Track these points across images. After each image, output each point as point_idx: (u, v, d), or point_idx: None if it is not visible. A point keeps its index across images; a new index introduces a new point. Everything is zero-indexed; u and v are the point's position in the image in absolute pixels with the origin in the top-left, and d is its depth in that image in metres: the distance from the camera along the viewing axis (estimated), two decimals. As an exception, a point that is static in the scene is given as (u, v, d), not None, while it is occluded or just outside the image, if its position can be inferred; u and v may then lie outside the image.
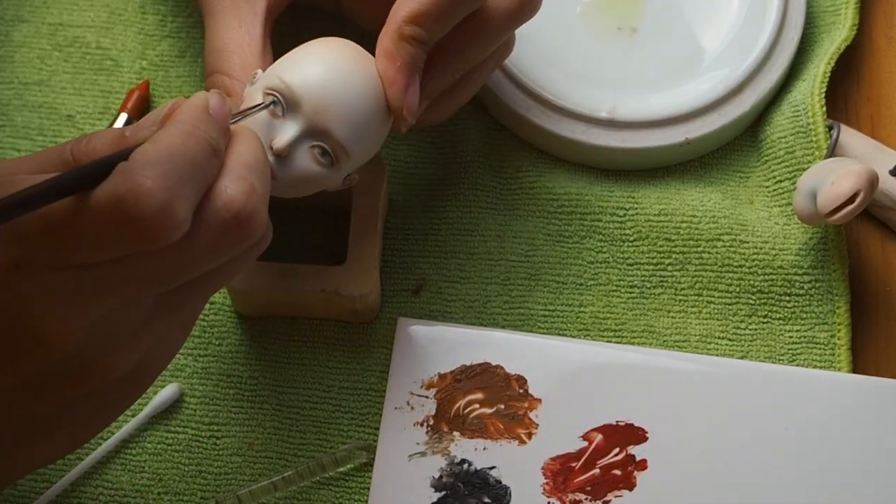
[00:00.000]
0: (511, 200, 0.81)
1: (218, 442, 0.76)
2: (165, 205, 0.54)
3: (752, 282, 0.78)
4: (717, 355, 0.77)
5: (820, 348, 0.77)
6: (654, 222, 0.80)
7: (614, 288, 0.79)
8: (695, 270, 0.79)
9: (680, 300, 0.79)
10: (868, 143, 0.81)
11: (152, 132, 0.58)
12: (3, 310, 0.55)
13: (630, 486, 0.74)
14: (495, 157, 0.82)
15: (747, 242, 0.79)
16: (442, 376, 0.76)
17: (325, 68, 0.67)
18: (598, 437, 0.75)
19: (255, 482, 0.74)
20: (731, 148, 0.83)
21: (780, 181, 0.81)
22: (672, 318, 0.78)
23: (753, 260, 0.79)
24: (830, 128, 0.81)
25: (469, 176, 0.81)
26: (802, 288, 0.78)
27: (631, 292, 0.79)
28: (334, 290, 0.74)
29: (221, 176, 0.58)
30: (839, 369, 0.77)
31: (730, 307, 0.78)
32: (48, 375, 0.56)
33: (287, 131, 0.66)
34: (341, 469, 0.75)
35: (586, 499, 0.74)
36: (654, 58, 0.83)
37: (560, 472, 0.74)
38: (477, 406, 0.75)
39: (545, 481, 0.74)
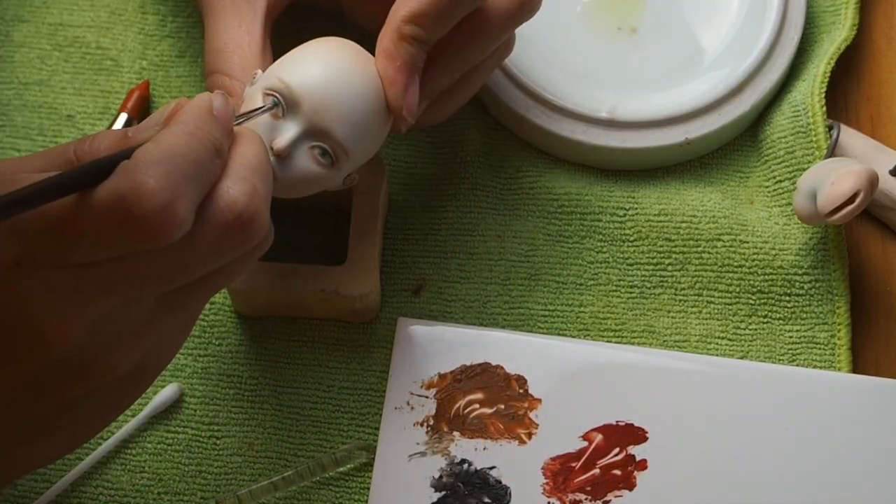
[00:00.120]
0: (511, 200, 0.81)
1: (218, 442, 0.76)
2: (167, 204, 0.54)
3: (752, 282, 0.78)
4: (717, 355, 0.77)
5: (820, 348, 0.77)
6: (654, 222, 0.80)
7: (614, 288, 0.79)
8: (695, 270, 0.79)
9: (680, 300, 0.79)
10: (868, 143, 0.81)
11: (155, 132, 0.58)
12: (4, 308, 0.55)
13: (630, 486, 0.74)
14: (495, 157, 0.82)
15: (747, 242, 0.79)
16: (442, 376, 0.76)
17: (325, 68, 0.67)
18: (598, 437, 0.75)
19: (255, 482, 0.74)
20: (731, 148, 0.83)
21: (780, 181, 0.81)
22: (672, 318, 0.78)
23: (753, 260, 0.79)
24: (830, 128, 0.81)
25: (469, 176, 0.81)
26: (802, 288, 0.78)
27: (631, 292, 0.79)
28: (334, 290, 0.74)
29: (224, 177, 0.58)
30: (839, 369, 0.77)
31: (730, 307, 0.78)
32: (48, 374, 0.56)
33: (287, 132, 0.66)
34: (341, 469, 0.75)
35: (586, 499, 0.74)
36: (654, 58, 0.83)
37: (560, 472, 0.74)
38: (477, 406, 0.75)
39: (545, 481, 0.74)
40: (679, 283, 0.79)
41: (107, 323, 0.56)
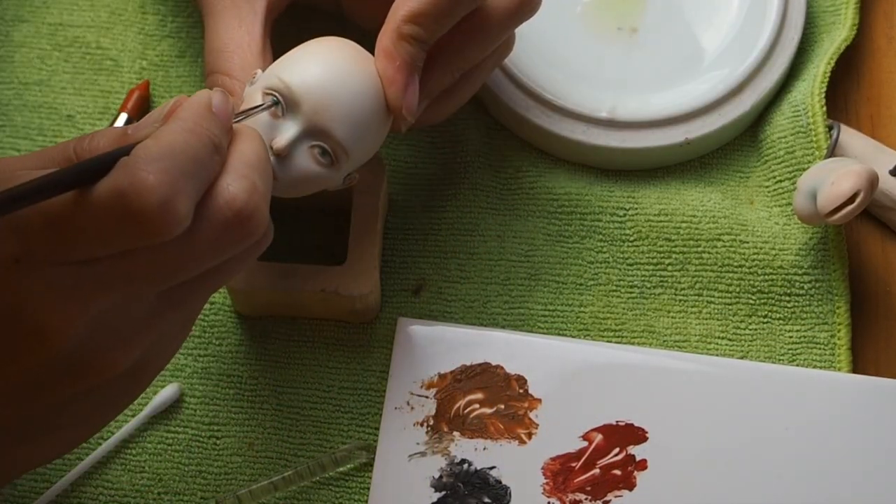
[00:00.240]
0: (511, 200, 0.81)
1: (218, 442, 0.76)
2: (167, 200, 0.54)
3: (752, 282, 0.78)
4: (717, 355, 0.77)
5: (820, 348, 0.77)
6: (654, 222, 0.80)
7: (614, 288, 0.79)
8: (695, 270, 0.79)
9: (680, 300, 0.79)
10: (868, 143, 0.81)
11: (154, 129, 0.58)
12: (3, 306, 0.55)
13: (630, 486, 0.74)
14: (495, 157, 0.82)
15: (747, 242, 0.79)
16: (442, 376, 0.76)
17: (325, 68, 0.67)
18: (598, 437, 0.75)
19: (255, 482, 0.74)
20: (731, 148, 0.83)
21: (780, 181, 0.81)
22: (672, 318, 0.78)
23: (753, 260, 0.79)
24: (830, 128, 0.81)
25: (469, 176, 0.81)
26: (802, 288, 0.78)
27: (631, 292, 0.79)
28: (334, 290, 0.74)
29: (223, 174, 0.58)
30: (839, 369, 0.77)
31: (730, 307, 0.78)
32: (48, 372, 0.56)
33: (287, 131, 0.66)
34: (341, 469, 0.75)
35: (586, 499, 0.73)
36: (654, 58, 0.83)
37: (560, 472, 0.74)
38: (477, 406, 0.75)
39: (545, 481, 0.74)
40: (679, 283, 0.79)
41: (106, 320, 0.56)
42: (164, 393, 0.76)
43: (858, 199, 0.74)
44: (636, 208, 0.80)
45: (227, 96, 0.61)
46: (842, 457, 0.74)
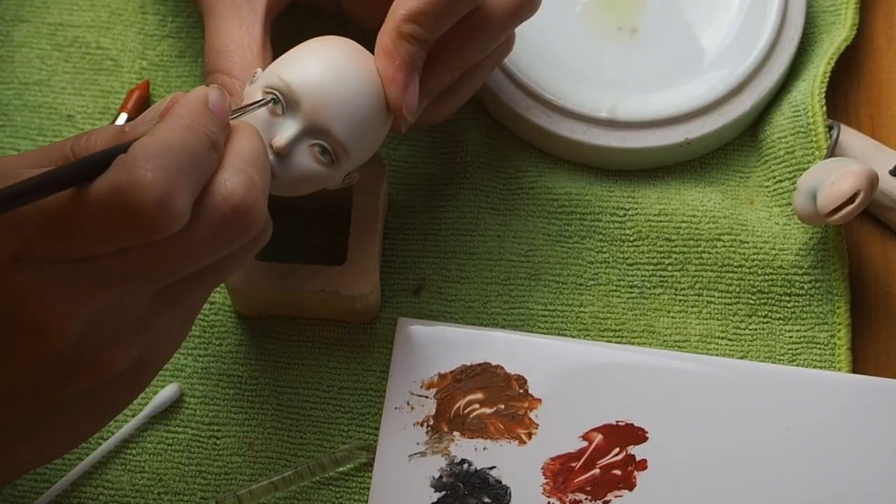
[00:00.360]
0: (511, 200, 0.81)
1: (218, 442, 0.76)
2: (165, 196, 0.54)
3: (752, 282, 0.78)
4: (717, 355, 0.77)
5: (820, 348, 0.77)
6: (654, 222, 0.80)
7: (614, 288, 0.79)
8: (695, 270, 0.79)
9: (680, 300, 0.79)
10: (868, 143, 0.81)
11: (151, 127, 0.58)
12: (2, 304, 0.55)
13: (630, 486, 0.74)
14: (495, 157, 0.82)
15: (747, 242, 0.79)
16: (442, 376, 0.76)
17: (325, 67, 0.67)
18: (598, 437, 0.75)
19: (255, 482, 0.74)
20: (731, 148, 0.83)
21: (780, 181, 0.81)
22: (672, 318, 0.78)
23: (753, 260, 0.79)
24: (830, 128, 0.81)
25: (469, 176, 0.81)
26: (802, 288, 0.78)
27: (631, 292, 0.79)
28: (334, 290, 0.74)
29: (221, 170, 0.58)
30: (839, 369, 0.77)
31: (730, 307, 0.78)
32: (47, 370, 0.56)
33: (287, 130, 0.66)
34: (341, 469, 0.75)
35: (586, 499, 0.73)
36: (654, 58, 0.83)
37: (560, 472, 0.74)
38: (477, 406, 0.75)
39: (545, 481, 0.74)
40: (679, 283, 0.79)
41: (105, 318, 0.56)
42: (164, 393, 0.76)
43: (858, 199, 0.74)
44: (636, 208, 0.80)
45: (224, 93, 0.61)
46: (842, 457, 0.74)
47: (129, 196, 0.54)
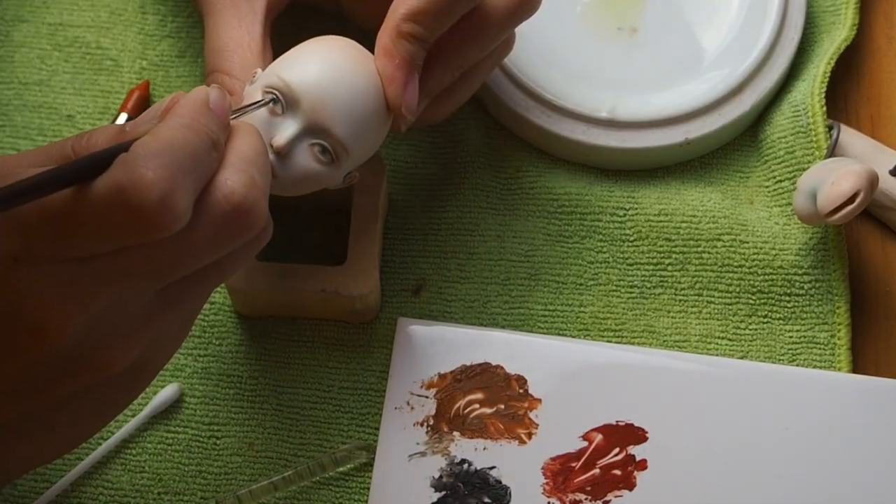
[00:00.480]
0: (511, 200, 0.81)
1: (218, 442, 0.76)
2: (166, 195, 0.54)
3: (752, 282, 0.78)
4: (717, 355, 0.77)
5: (820, 348, 0.77)
6: (654, 222, 0.80)
7: (614, 288, 0.79)
8: (695, 270, 0.79)
9: (680, 300, 0.79)
10: (868, 143, 0.81)
11: (152, 126, 0.58)
12: (2, 303, 0.55)
13: (630, 486, 0.74)
14: (495, 157, 0.82)
15: (747, 242, 0.79)
16: (442, 376, 0.76)
17: (324, 66, 0.67)
18: (598, 437, 0.75)
19: (255, 482, 0.74)
20: (731, 148, 0.83)
21: (780, 181, 0.81)
22: (672, 318, 0.78)
23: (753, 260, 0.79)
24: (830, 128, 0.81)
25: (469, 176, 0.81)
26: (802, 288, 0.78)
27: (631, 292, 0.79)
28: (334, 290, 0.74)
29: (221, 169, 0.58)
30: (839, 369, 0.77)
31: (730, 307, 0.78)
32: (47, 369, 0.56)
33: (287, 129, 0.66)
34: (341, 469, 0.75)
35: (586, 499, 0.73)
36: (654, 58, 0.83)
37: (560, 472, 0.74)
38: (477, 406, 0.75)
39: (545, 481, 0.74)
40: (679, 283, 0.79)
41: (105, 317, 0.56)
42: (164, 393, 0.76)
43: (858, 199, 0.74)
44: (636, 208, 0.80)
45: (224, 93, 0.61)
46: (842, 457, 0.74)
47: (130, 195, 0.54)
